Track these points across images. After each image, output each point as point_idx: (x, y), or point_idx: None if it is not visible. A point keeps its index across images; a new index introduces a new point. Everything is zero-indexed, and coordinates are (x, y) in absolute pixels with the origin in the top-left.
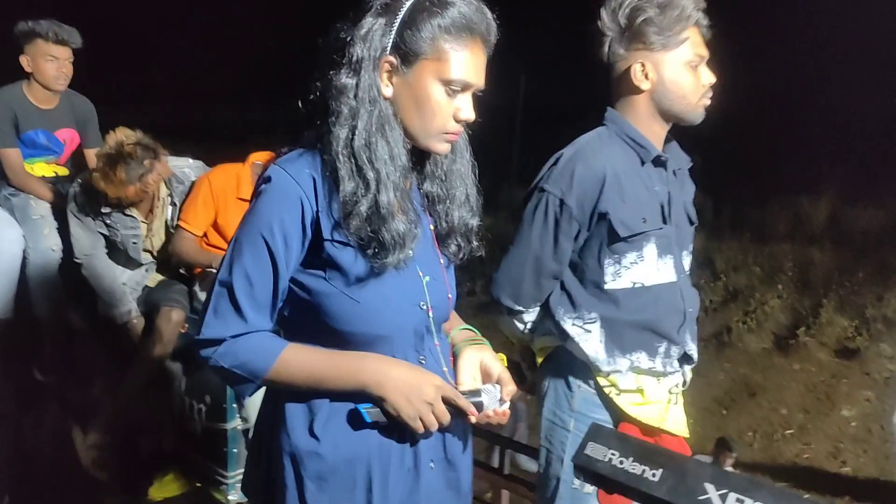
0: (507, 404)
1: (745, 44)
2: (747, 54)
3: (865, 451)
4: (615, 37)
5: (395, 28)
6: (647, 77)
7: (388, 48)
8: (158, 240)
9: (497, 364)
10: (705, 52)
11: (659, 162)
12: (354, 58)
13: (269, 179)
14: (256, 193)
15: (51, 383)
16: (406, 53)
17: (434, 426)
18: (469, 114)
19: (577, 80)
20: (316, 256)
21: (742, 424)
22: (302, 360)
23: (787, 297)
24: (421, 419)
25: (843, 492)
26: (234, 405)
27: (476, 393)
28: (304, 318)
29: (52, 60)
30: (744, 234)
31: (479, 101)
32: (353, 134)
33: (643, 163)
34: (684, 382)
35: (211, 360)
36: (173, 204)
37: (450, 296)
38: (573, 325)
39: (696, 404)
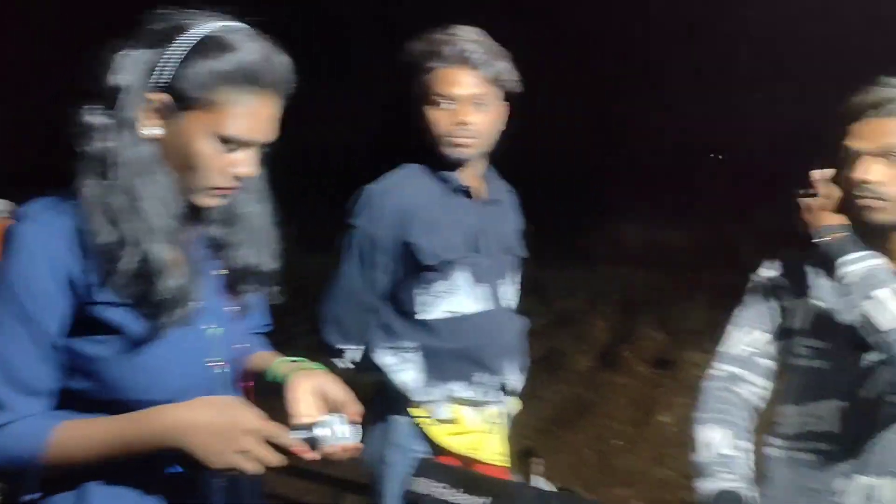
0: (359, 430)
1: (566, 80)
2: (570, 90)
3: (684, 454)
4: (410, 75)
5: (166, 64)
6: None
7: (156, 85)
8: None
9: (336, 387)
10: (460, 90)
11: (467, 193)
12: (110, 91)
13: (15, 232)
14: (3, 250)
15: None
16: (176, 96)
17: (258, 470)
18: (249, 170)
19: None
20: (85, 319)
21: (578, 441)
22: (82, 434)
23: (610, 317)
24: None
25: (670, 494)
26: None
27: (308, 427)
28: (87, 390)
29: None
30: (572, 261)
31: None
32: (107, 180)
33: (450, 194)
34: (506, 413)
35: None
36: None
37: (246, 345)
38: (391, 355)
39: (533, 426)
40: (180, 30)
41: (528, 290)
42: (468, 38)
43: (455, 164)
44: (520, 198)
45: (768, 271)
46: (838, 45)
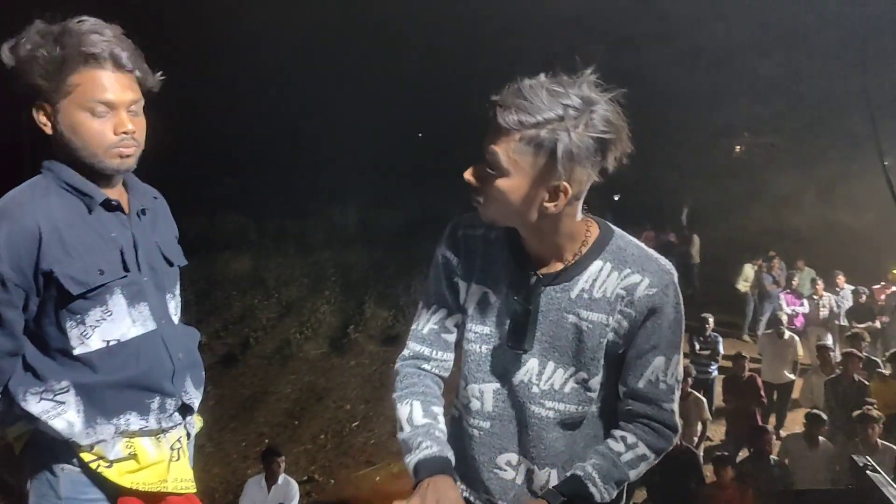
0: None
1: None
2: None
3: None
4: (15, 75)
5: None
6: (48, 121)
7: None
8: None
9: None
10: (117, 97)
11: (111, 206)
12: None
13: None
14: None
15: None
16: None
17: None
18: None
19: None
20: None
21: (315, 429)
22: None
23: (334, 301)
24: None
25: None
26: None
27: None
28: None
29: None
30: (288, 249)
31: None
32: None
33: (90, 210)
34: (188, 435)
35: None
36: None
37: None
38: (41, 400)
39: (269, 422)
40: None
41: (251, 284)
42: (110, 35)
43: (106, 178)
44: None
45: (447, 247)
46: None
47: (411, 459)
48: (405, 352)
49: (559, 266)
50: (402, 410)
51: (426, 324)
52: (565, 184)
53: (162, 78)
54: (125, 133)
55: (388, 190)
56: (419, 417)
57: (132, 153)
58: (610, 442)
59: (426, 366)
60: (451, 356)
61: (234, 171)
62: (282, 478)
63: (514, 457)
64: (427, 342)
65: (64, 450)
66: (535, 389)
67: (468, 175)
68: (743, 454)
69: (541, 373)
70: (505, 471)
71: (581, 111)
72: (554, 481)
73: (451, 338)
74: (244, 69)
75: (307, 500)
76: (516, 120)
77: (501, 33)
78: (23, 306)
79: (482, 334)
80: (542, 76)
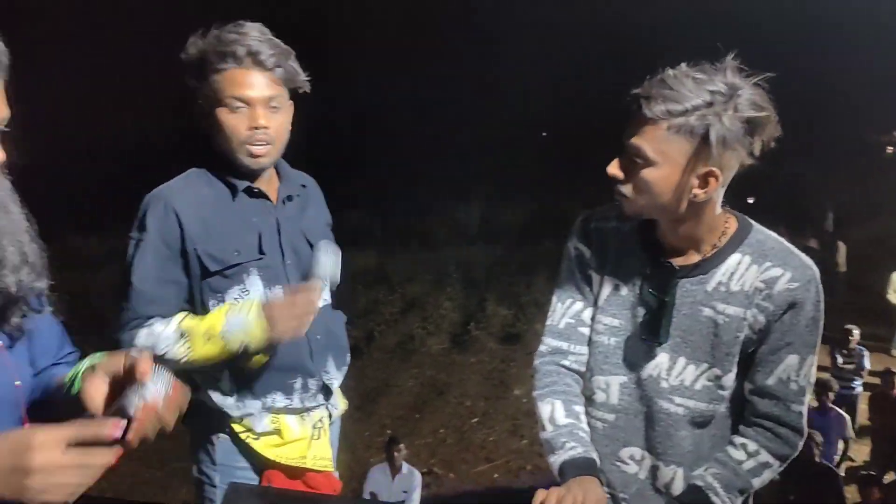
0: (167, 378)
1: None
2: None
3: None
4: (186, 74)
5: None
6: (204, 117)
7: None
8: None
9: (121, 359)
10: (254, 94)
11: (253, 194)
12: None
13: None
14: None
15: None
16: None
17: (90, 480)
18: None
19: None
20: None
21: (435, 423)
22: None
23: (456, 297)
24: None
25: (525, 463)
26: None
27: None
28: None
29: None
30: (412, 246)
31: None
32: None
33: (234, 197)
34: (330, 416)
35: None
36: None
37: (17, 383)
38: (200, 372)
39: (391, 414)
40: None
41: (375, 279)
42: (256, 36)
43: (248, 170)
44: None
45: (578, 240)
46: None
47: (556, 459)
48: (542, 347)
49: (696, 258)
50: (544, 410)
51: (562, 318)
52: (716, 169)
53: (308, 79)
54: (257, 128)
55: (511, 188)
56: (561, 417)
57: (264, 153)
58: (730, 450)
59: (565, 361)
60: (587, 349)
61: (361, 171)
62: (405, 467)
63: (637, 451)
64: (564, 336)
65: (219, 420)
66: (664, 384)
67: (613, 169)
68: (889, 477)
69: (671, 368)
70: (627, 464)
71: (728, 96)
72: (679, 480)
73: (588, 331)
74: (368, 68)
75: (427, 491)
76: (664, 109)
77: (625, 32)
78: (179, 278)
79: (611, 326)
80: (683, 65)
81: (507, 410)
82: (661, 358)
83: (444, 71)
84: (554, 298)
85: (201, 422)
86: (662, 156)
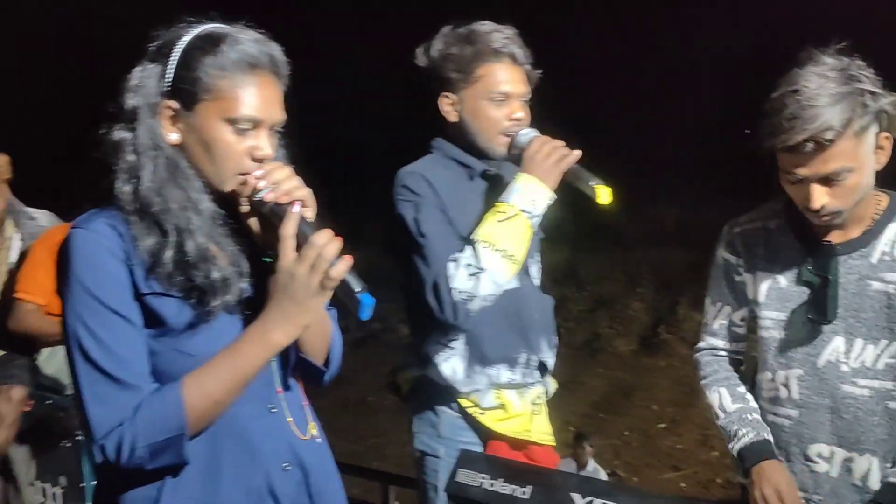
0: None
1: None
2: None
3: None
4: (427, 72)
5: (169, 72)
6: (453, 110)
7: (166, 93)
8: (1, 283)
9: None
10: (513, 89)
11: (487, 176)
12: (128, 108)
13: (69, 243)
14: (62, 263)
15: None
16: (185, 97)
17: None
18: (266, 151)
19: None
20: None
21: (621, 425)
22: (206, 375)
23: (648, 299)
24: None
25: (714, 475)
26: (94, 482)
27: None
28: None
29: None
30: (604, 244)
31: (342, 136)
32: (139, 187)
33: (472, 178)
34: (546, 392)
35: (130, 458)
36: (22, 240)
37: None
38: (437, 344)
39: (576, 411)
40: (176, 39)
41: (564, 276)
42: (511, 34)
43: (497, 157)
44: None
45: (725, 249)
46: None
47: (733, 447)
48: (701, 343)
49: (853, 234)
50: (713, 398)
51: (714, 320)
52: (885, 134)
53: (540, 73)
54: (516, 120)
55: (708, 190)
56: (729, 403)
57: (508, 143)
58: None
59: (722, 353)
60: (744, 344)
61: None
62: (591, 464)
63: (825, 448)
64: (720, 335)
65: (445, 395)
66: (844, 368)
67: (820, 200)
68: None
69: (848, 351)
70: (817, 463)
71: (860, 77)
72: (875, 472)
73: (741, 330)
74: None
75: None
76: (829, 132)
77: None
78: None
79: (778, 320)
80: (787, 87)
81: (697, 419)
82: (837, 342)
83: (653, 62)
84: (707, 301)
85: (425, 398)
86: (857, 159)
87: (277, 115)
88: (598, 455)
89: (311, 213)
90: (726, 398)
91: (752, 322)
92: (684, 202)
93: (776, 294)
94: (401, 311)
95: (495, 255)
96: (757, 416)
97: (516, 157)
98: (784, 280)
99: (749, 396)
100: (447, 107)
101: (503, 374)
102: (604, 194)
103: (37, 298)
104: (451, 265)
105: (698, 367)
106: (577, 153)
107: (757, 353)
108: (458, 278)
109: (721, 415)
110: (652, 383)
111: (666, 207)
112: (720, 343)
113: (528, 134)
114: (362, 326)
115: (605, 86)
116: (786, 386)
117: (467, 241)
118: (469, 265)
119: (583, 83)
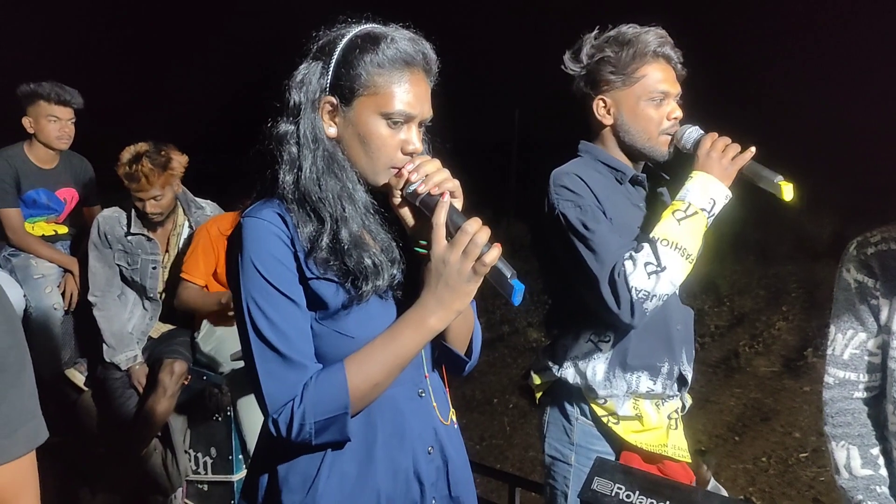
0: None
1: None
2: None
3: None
4: (579, 75)
5: (330, 69)
6: (608, 113)
7: (326, 89)
8: (172, 265)
9: None
10: (670, 88)
11: (636, 181)
12: (292, 103)
13: (242, 231)
14: (234, 249)
15: (55, 444)
16: (344, 92)
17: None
18: (416, 145)
19: (570, 113)
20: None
21: (756, 450)
22: (367, 356)
23: (793, 319)
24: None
25: None
26: (241, 456)
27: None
28: None
29: (54, 121)
30: (747, 257)
31: (475, 137)
32: (300, 177)
33: (621, 183)
34: (683, 407)
35: (300, 434)
36: (191, 227)
37: None
38: (587, 342)
39: (708, 432)
40: (337, 39)
41: (703, 288)
42: (664, 35)
43: (659, 159)
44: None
45: (857, 270)
46: None
47: None
48: (828, 379)
49: None
50: (839, 454)
51: (845, 349)
52: None
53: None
54: (675, 119)
55: (866, 202)
56: (858, 467)
57: (669, 143)
58: None
59: (857, 393)
60: (879, 375)
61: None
62: (712, 483)
63: None
64: (851, 367)
65: (579, 402)
66: None
67: None
68: None
69: None
70: None
71: None
72: None
73: (878, 360)
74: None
75: None
76: None
77: None
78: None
79: None
80: None
81: None
82: None
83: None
84: (832, 329)
85: (559, 403)
86: None
87: (427, 111)
88: (731, 480)
89: (459, 203)
90: (856, 459)
91: (885, 351)
92: (839, 215)
93: None
94: (529, 314)
95: (675, 254)
96: (885, 489)
97: (684, 154)
98: None
99: (881, 461)
100: (602, 110)
101: (643, 382)
102: (788, 191)
103: (197, 279)
104: (628, 263)
105: (827, 410)
106: (752, 150)
107: (888, 385)
108: (637, 276)
109: (846, 475)
110: (794, 409)
111: (820, 219)
112: (853, 376)
113: (695, 131)
114: (491, 328)
115: (762, 89)
116: None
117: (637, 239)
118: (648, 263)
119: (735, 84)
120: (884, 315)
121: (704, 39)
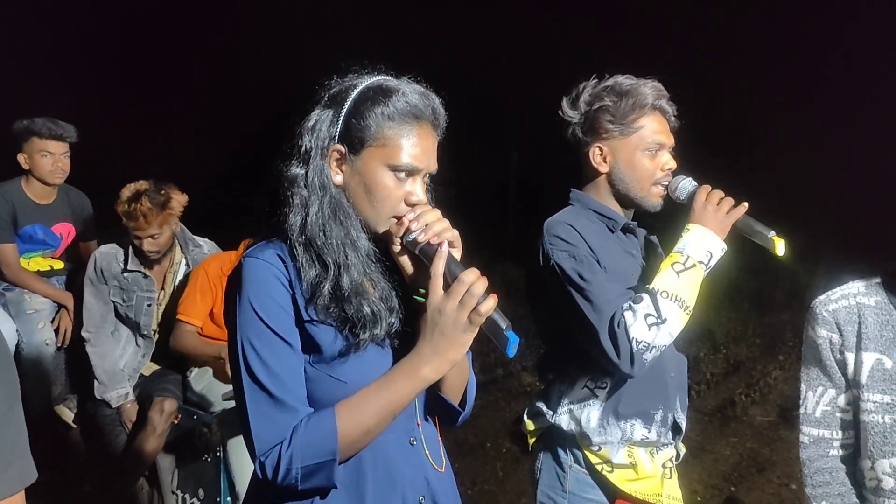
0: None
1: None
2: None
3: None
4: (576, 123)
5: (341, 118)
6: (604, 161)
7: (336, 138)
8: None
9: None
10: (666, 140)
11: (628, 229)
12: (303, 149)
13: (243, 270)
14: (234, 288)
15: (43, 481)
16: (353, 142)
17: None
18: (420, 197)
19: (567, 157)
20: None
21: (752, 501)
22: (360, 402)
23: (789, 367)
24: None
25: None
26: (229, 498)
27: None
28: None
29: (47, 156)
30: (742, 305)
31: (472, 179)
32: (307, 221)
33: (613, 231)
34: (678, 455)
35: (286, 477)
36: (188, 265)
37: None
38: (583, 388)
39: (704, 481)
40: (350, 89)
41: (698, 335)
42: (660, 87)
43: (649, 209)
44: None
45: (822, 327)
46: None
47: None
48: (804, 438)
49: None
50: None
51: (816, 406)
52: None
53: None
54: (668, 170)
55: (862, 247)
56: None
57: (664, 193)
58: None
59: (833, 451)
60: (853, 432)
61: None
62: None
63: None
64: (824, 424)
65: (573, 449)
66: None
67: None
68: None
69: None
70: None
71: None
72: None
73: (849, 416)
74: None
75: None
76: None
77: None
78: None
79: (883, 403)
80: None
81: None
82: None
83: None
84: (803, 387)
85: (552, 449)
86: None
87: (433, 164)
88: None
89: (458, 253)
90: None
91: (855, 405)
92: (831, 261)
93: (880, 376)
94: (524, 358)
95: (675, 306)
96: None
97: (674, 202)
98: (889, 361)
99: None
100: (598, 157)
101: (637, 429)
102: (781, 246)
103: (194, 320)
104: (628, 314)
105: (806, 471)
106: (745, 205)
107: (861, 440)
108: (638, 328)
109: None
110: (790, 459)
111: (813, 269)
112: (826, 433)
113: (689, 183)
114: (485, 371)
115: (754, 137)
116: (891, 476)
117: (635, 289)
118: (648, 315)
119: (727, 140)
120: (850, 369)
121: (697, 91)
